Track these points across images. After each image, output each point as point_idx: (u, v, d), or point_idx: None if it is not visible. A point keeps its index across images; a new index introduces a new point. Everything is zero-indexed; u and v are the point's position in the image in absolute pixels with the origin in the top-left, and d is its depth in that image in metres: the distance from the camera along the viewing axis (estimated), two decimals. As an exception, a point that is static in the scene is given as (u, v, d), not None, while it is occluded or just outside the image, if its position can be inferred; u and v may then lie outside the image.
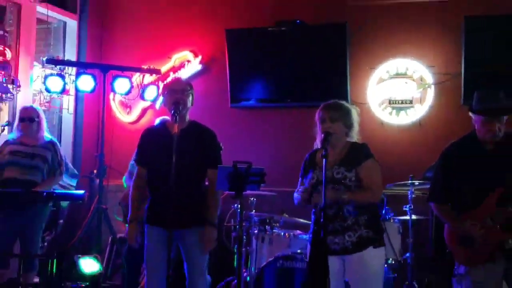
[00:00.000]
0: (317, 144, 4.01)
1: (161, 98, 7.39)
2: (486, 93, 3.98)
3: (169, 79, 7.44)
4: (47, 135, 5.97)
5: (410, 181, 5.51)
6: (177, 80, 4.46)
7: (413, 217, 5.50)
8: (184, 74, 7.52)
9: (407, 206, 5.51)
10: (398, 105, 6.84)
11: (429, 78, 6.74)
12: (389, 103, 6.87)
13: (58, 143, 6.11)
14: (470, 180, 3.94)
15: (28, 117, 5.79)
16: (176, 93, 4.21)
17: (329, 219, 3.74)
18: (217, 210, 4.31)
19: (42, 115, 5.97)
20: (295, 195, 4.08)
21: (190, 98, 4.29)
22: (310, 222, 4.22)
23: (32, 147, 5.79)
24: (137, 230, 4.30)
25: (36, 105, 6.32)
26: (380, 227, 4.04)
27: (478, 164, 3.93)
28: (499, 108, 3.89)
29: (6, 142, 5.87)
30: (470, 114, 4.00)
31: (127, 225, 6.03)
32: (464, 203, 3.97)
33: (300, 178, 4.15)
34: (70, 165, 6.71)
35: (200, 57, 7.59)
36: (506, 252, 3.83)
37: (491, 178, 3.88)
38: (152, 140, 4.39)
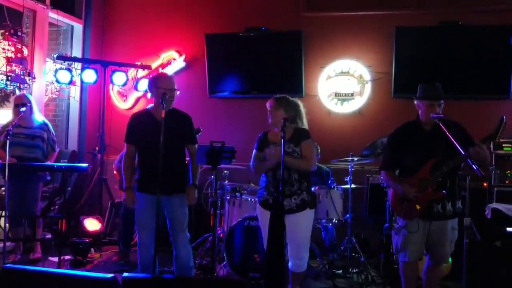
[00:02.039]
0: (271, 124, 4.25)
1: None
2: (427, 85, 4.12)
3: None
4: (39, 117, 5.87)
5: (350, 158, 5.56)
6: (168, 77, 4.38)
7: (352, 186, 5.53)
8: (170, 69, 7.48)
9: (348, 177, 5.56)
10: (342, 97, 6.89)
11: (367, 75, 6.81)
12: (335, 95, 6.91)
13: (49, 124, 5.99)
14: (412, 153, 4.08)
15: (21, 103, 5.68)
16: (168, 88, 4.18)
17: (284, 186, 3.95)
18: (197, 175, 4.40)
19: (33, 101, 5.83)
20: (252, 164, 4.31)
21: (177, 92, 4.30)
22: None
23: (31, 129, 5.72)
24: (133, 195, 4.31)
25: (27, 93, 6.15)
26: (314, 194, 4.35)
27: (419, 141, 4.07)
28: (438, 93, 4.05)
29: (7, 125, 5.68)
30: (416, 101, 4.12)
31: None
32: (406, 170, 4.11)
33: (254, 150, 4.32)
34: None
35: (184, 56, 7.54)
36: (432, 213, 3.99)
37: (427, 151, 4.01)
38: (140, 124, 4.35)
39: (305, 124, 4.32)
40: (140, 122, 4.37)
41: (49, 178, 6.08)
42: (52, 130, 5.97)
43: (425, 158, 4.01)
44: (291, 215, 4.05)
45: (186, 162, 4.49)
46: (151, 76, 6.03)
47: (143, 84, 7.49)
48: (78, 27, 7.85)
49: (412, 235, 4.00)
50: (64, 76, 6.95)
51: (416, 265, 4.21)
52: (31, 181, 5.68)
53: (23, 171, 5.56)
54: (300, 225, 4.12)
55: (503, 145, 5.62)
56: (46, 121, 5.98)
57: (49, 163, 5.78)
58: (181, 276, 4.20)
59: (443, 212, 4.00)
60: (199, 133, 5.67)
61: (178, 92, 4.31)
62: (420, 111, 4.11)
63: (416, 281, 4.26)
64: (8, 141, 5.10)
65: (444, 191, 3.95)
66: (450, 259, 4.96)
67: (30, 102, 5.75)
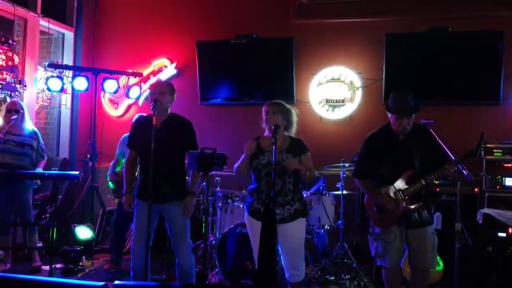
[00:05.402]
0: (268, 133, 4.08)
1: (144, 95, 7.46)
2: (398, 96, 4.08)
3: (151, 81, 7.43)
4: (30, 126, 5.83)
5: (342, 164, 5.56)
6: (157, 83, 4.46)
7: (344, 192, 5.53)
8: (161, 77, 7.48)
9: (340, 183, 5.56)
10: (333, 103, 6.90)
11: (357, 82, 6.83)
12: (326, 102, 6.92)
13: (39, 133, 5.96)
14: (387, 163, 4.07)
15: (14, 109, 5.66)
16: (154, 94, 4.21)
17: (275, 194, 3.87)
18: (196, 183, 4.34)
19: (25, 109, 5.81)
20: (235, 166, 4.13)
21: (170, 96, 4.28)
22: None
23: (21, 137, 5.68)
24: (131, 199, 4.29)
25: (20, 101, 6.11)
26: (306, 203, 4.22)
27: (392, 150, 4.06)
28: (407, 109, 4.00)
29: None
30: (386, 111, 4.12)
31: (115, 200, 6.05)
32: (381, 179, 4.10)
33: (243, 155, 4.11)
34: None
35: (175, 63, 7.54)
36: (410, 222, 4.00)
37: (403, 162, 4.01)
38: (140, 129, 4.37)
39: (293, 132, 4.21)
40: (140, 127, 4.40)
41: (36, 186, 6.03)
42: (41, 139, 5.95)
43: (401, 168, 4.01)
44: (283, 225, 3.95)
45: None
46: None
47: (135, 92, 7.49)
48: (69, 35, 7.85)
49: (389, 243, 4.01)
50: (55, 84, 6.94)
51: (398, 269, 4.22)
52: (19, 189, 5.63)
53: (13, 179, 5.52)
54: (293, 235, 4.01)
55: (494, 150, 5.64)
56: (36, 130, 5.96)
57: (40, 171, 5.74)
58: (172, 283, 4.18)
59: (420, 219, 4.00)
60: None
61: (167, 96, 4.26)
62: (390, 121, 4.11)
63: (400, 283, 4.28)
64: None
65: (419, 203, 3.95)
66: (441, 264, 4.98)
67: (22, 109, 5.73)
